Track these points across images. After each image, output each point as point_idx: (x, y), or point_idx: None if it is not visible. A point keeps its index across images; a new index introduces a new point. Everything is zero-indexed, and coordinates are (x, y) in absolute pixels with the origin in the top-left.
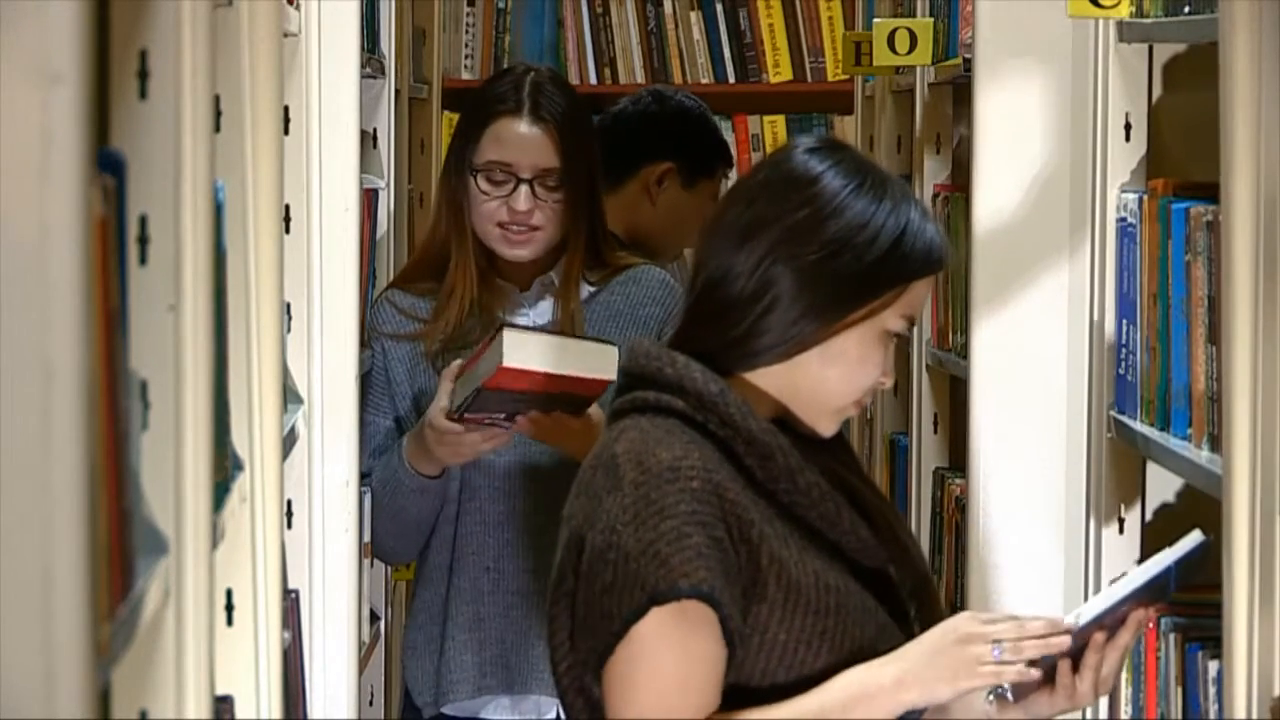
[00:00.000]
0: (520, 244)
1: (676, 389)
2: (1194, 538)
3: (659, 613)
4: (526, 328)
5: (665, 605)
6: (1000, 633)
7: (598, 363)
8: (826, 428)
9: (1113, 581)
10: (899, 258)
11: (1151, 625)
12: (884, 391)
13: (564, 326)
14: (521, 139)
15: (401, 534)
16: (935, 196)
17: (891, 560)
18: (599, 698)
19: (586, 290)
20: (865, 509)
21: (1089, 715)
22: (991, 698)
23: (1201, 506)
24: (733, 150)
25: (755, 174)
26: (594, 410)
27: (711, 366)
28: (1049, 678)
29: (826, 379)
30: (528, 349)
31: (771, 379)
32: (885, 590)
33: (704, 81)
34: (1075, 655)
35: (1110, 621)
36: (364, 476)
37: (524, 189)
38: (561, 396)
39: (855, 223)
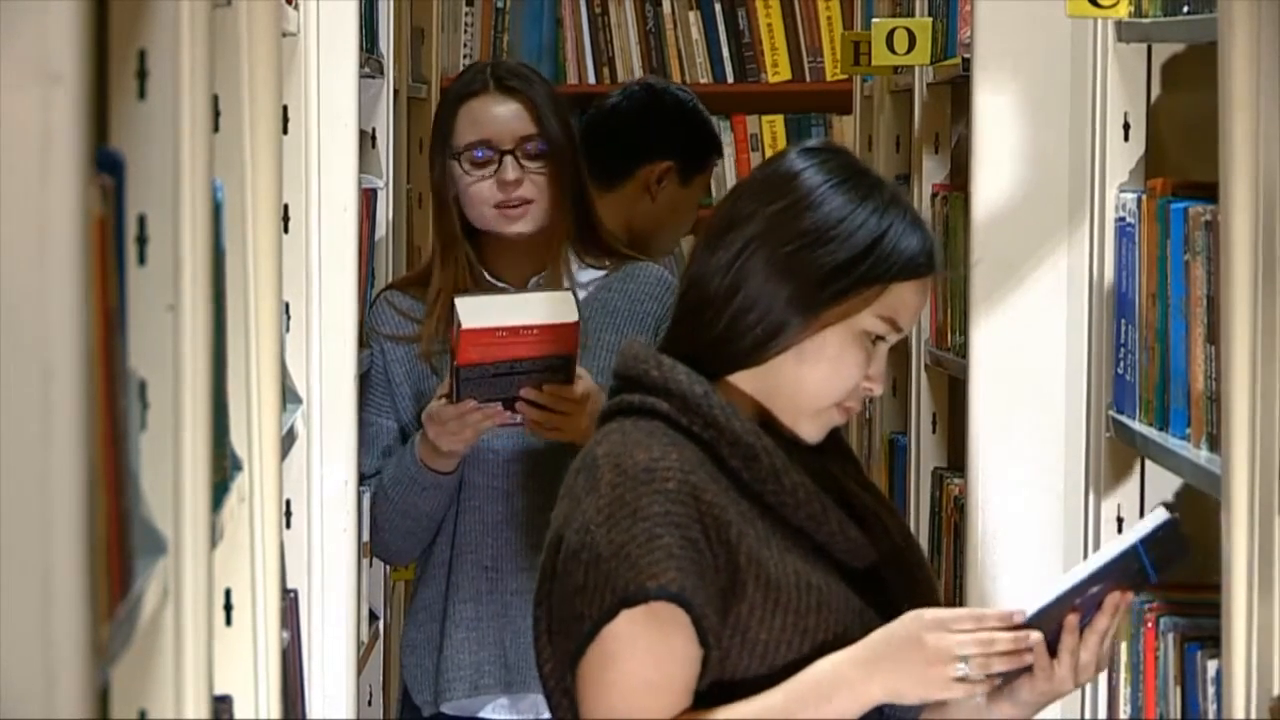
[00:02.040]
0: (517, 218)
1: (662, 391)
2: (1158, 515)
3: (629, 614)
4: (477, 295)
5: (635, 607)
6: (965, 647)
7: (557, 308)
8: (808, 432)
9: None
10: (876, 257)
11: (1151, 625)
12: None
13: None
14: (495, 114)
15: (410, 531)
16: (934, 196)
17: (885, 562)
18: None
19: (590, 275)
20: (858, 510)
21: (1087, 715)
22: (981, 695)
23: (1201, 506)
24: (731, 150)
25: (749, 174)
26: (587, 380)
27: (697, 370)
28: None
29: (803, 380)
30: (482, 310)
31: (752, 382)
32: (878, 591)
33: (702, 81)
34: (1052, 638)
35: (1083, 603)
36: (369, 477)
37: (509, 160)
38: (543, 364)
39: (833, 216)
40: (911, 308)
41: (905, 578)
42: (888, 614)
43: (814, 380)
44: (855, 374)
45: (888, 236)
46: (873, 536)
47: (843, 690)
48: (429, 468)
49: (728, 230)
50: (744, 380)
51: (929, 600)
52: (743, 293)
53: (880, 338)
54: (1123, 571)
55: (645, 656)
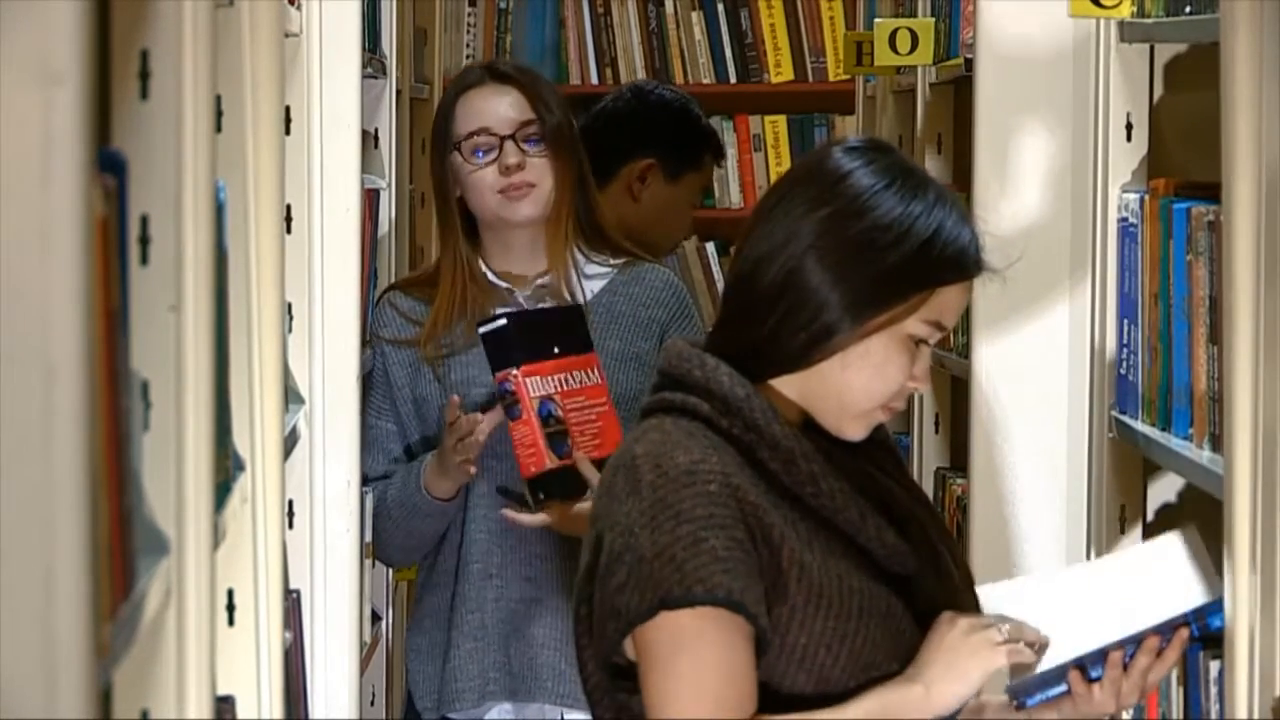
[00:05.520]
0: (520, 199)
1: (703, 391)
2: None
3: (669, 617)
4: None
5: (677, 611)
6: (992, 620)
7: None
8: (852, 432)
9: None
10: (927, 262)
11: None
12: None
13: (556, 291)
14: (492, 102)
15: (411, 548)
16: None
17: (923, 566)
18: (623, 700)
19: (596, 269)
20: (897, 513)
21: None
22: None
23: (1203, 506)
24: (733, 149)
25: (791, 171)
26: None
27: (741, 371)
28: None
29: (849, 385)
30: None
31: (796, 385)
32: (916, 594)
33: (705, 81)
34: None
35: (1126, 642)
36: (372, 479)
37: (509, 145)
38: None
39: (881, 222)
40: (955, 308)
41: (943, 581)
42: (926, 616)
43: (859, 385)
44: (900, 377)
45: (936, 240)
46: (912, 540)
47: (909, 710)
48: (432, 495)
49: (773, 234)
50: (787, 384)
51: (965, 603)
52: (791, 297)
53: (924, 340)
54: (1168, 625)
55: (692, 659)
